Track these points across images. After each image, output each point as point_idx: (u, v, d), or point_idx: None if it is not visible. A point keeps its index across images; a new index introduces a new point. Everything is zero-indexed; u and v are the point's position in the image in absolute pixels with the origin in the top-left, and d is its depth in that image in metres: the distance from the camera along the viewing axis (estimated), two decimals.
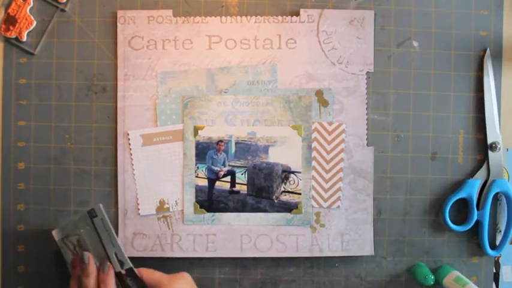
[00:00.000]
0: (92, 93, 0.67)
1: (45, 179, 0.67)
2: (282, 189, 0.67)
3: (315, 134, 0.67)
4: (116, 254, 0.60)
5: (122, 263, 0.60)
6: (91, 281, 0.58)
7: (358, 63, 0.67)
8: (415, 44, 0.68)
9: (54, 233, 0.63)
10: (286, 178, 0.67)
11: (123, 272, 0.59)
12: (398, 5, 0.68)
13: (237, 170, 0.67)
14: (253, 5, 0.67)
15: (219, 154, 0.67)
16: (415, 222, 0.68)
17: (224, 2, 0.67)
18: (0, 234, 0.67)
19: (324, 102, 0.67)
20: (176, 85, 0.66)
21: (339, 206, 0.67)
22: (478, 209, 0.67)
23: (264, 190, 0.67)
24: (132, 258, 0.62)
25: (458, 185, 0.68)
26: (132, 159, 0.66)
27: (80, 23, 0.67)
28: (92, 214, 0.60)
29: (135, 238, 0.66)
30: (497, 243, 0.68)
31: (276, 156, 0.67)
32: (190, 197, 0.67)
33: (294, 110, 0.66)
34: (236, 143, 0.67)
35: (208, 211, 0.67)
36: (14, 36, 0.66)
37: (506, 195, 0.67)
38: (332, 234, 0.67)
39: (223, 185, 0.67)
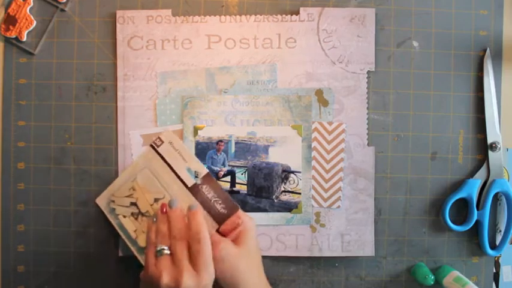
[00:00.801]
0: (92, 93, 0.67)
1: (45, 179, 0.67)
2: (282, 189, 0.67)
3: (315, 134, 0.66)
4: (188, 169, 0.63)
5: (196, 174, 0.63)
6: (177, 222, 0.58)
7: (359, 62, 0.67)
8: (415, 44, 0.68)
9: (98, 200, 0.65)
10: (286, 178, 0.67)
11: (198, 182, 0.63)
12: (398, 5, 0.68)
13: (237, 170, 0.67)
14: (253, 5, 0.67)
15: (218, 154, 0.66)
16: (415, 222, 0.68)
17: (224, 2, 0.67)
18: (0, 234, 0.67)
19: (324, 102, 0.67)
20: (176, 85, 0.66)
21: (339, 206, 0.67)
22: (478, 209, 0.67)
23: (264, 190, 0.67)
24: (132, 258, 0.62)
25: (458, 185, 0.68)
26: (132, 159, 0.66)
27: (80, 23, 0.67)
28: (156, 144, 0.64)
29: None
30: (497, 243, 0.68)
31: (276, 156, 0.67)
32: None
33: (293, 110, 0.66)
34: (236, 143, 0.67)
35: None
36: (14, 36, 0.66)
37: (506, 195, 0.66)
38: (332, 234, 0.67)
39: (223, 184, 0.67)
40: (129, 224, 0.63)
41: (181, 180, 0.63)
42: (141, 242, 0.61)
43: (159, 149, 0.64)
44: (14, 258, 0.67)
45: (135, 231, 0.62)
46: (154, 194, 0.63)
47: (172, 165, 0.64)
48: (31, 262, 0.67)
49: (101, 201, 0.65)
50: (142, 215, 0.62)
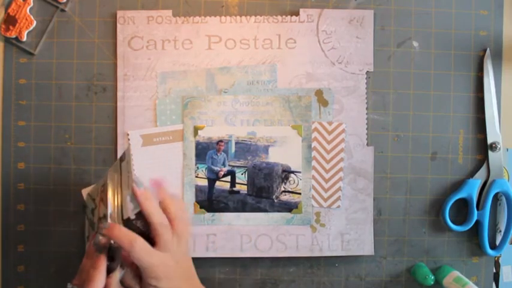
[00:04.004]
0: (92, 93, 0.67)
1: (45, 179, 0.67)
2: (282, 189, 0.67)
3: (314, 134, 0.67)
4: (129, 197, 0.54)
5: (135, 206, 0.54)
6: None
7: (358, 63, 0.67)
8: (415, 44, 0.68)
9: (84, 190, 0.63)
10: (286, 178, 0.67)
11: (132, 217, 0.54)
12: (398, 5, 0.68)
13: (237, 170, 0.67)
14: (253, 5, 0.67)
15: (219, 154, 0.67)
16: (415, 222, 0.68)
17: (224, 2, 0.67)
18: (0, 234, 0.67)
19: (323, 102, 0.67)
20: (176, 85, 0.66)
21: (339, 206, 0.67)
22: (478, 209, 0.67)
23: (264, 190, 0.67)
24: None
25: (458, 185, 0.68)
26: (132, 159, 0.66)
27: (80, 23, 0.67)
28: (122, 159, 0.57)
29: None
30: (497, 243, 0.68)
31: (276, 156, 0.67)
32: (190, 197, 0.67)
33: (293, 110, 0.66)
34: (236, 143, 0.67)
35: (208, 211, 0.67)
36: (14, 36, 0.66)
37: (506, 195, 0.66)
38: (332, 234, 0.67)
39: (223, 185, 0.67)
40: (87, 227, 0.61)
41: (121, 207, 0.55)
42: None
43: (121, 164, 0.57)
44: (14, 258, 0.67)
45: (87, 236, 0.60)
46: (105, 209, 0.56)
47: (122, 186, 0.56)
48: (31, 262, 0.67)
49: (84, 193, 0.63)
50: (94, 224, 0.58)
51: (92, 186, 0.64)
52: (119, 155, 0.66)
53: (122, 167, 0.57)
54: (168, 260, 0.53)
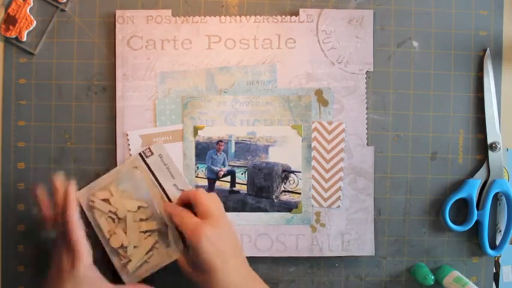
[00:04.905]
0: (91, 93, 0.67)
1: (45, 179, 0.67)
2: (282, 188, 0.67)
3: (314, 134, 0.67)
4: (175, 185, 0.64)
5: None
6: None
7: (358, 63, 0.67)
8: (415, 44, 0.68)
9: (78, 194, 0.64)
10: (286, 178, 0.67)
11: None
12: (398, 5, 0.68)
13: (237, 170, 0.67)
14: (253, 5, 0.67)
15: (218, 154, 0.67)
16: (415, 222, 0.68)
17: (224, 2, 0.67)
18: (0, 234, 0.67)
19: (323, 102, 0.67)
20: (175, 85, 0.66)
21: (339, 206, 0.67)
22: (478, 209, 0.67)
23: (264, 190, 0.67)
24: None
25: (458, 185, 0.68)
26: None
27: (80, 23, 0.67)
28: (145, 154, 0.64)
29: None
30: (497, 243, 0.68)
31: (276, 156, 0.67)
32: None
33: (293, 110, 0.66)
34: (236, 143, 0.67)
35: None
36: (14, 36, 0.66)
37: (506, 195, 0.66)
38: (332, 234, 0.67)
39: (223, 185, 0.67)
40: (104, 224, 0.63)
41: (166, 195, 0.64)
42: (114, 243, 0.62)
43: (147, 160, 0.64)
44: (14, 258, 0.67)
45: (109, 231, 0.62)
46: (138, 202, 0.63)
47: (158, 178, 0.64)
48: (31, 262, 0.67)
49: (81, 197, 0.64)
50: (119, 219, 0.63)
51: (89, 187, 0.64)
52: (119, 155, 0.66)
53: (150, 162, 0.64)
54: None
